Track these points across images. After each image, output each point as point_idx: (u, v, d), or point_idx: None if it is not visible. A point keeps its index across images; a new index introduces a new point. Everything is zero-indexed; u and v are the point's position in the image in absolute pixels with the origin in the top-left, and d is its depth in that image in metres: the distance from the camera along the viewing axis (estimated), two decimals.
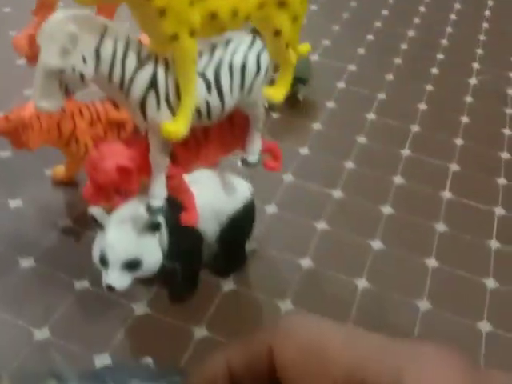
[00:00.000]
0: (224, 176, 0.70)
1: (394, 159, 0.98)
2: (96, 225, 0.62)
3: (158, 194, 0.58)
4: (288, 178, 0.91)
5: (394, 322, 0.71)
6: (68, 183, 0.85)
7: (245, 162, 0.65)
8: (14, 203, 0.81)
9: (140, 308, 0.69)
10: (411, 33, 1.35)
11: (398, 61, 1.23)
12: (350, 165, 0.96)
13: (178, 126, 0.52)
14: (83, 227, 0.78)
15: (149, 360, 0.59)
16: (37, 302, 0.68)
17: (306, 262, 0.78)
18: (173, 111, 0.53)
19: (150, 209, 0.59)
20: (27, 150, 0.73)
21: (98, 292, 0.70)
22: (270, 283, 0.75)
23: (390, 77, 1.18)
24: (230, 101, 0.56)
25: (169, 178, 0.59)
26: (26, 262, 0.72)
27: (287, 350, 0.32)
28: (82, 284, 0.71)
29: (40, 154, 0.85)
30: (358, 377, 0.28)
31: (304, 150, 0.97)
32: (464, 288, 0.77)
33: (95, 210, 0.61)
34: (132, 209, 0.63)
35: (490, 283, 0.77)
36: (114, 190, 0.57)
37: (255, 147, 0.64)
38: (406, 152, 1.00)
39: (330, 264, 0.78)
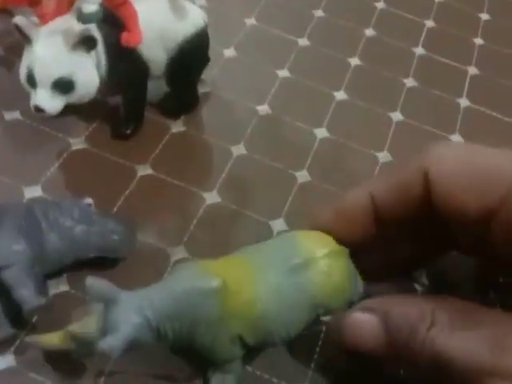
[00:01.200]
0: None
1: (367, 11, 0.90)
2: (22, 37, 0.54)
3: None
4: (250, 21, 0.83)
5: (351, 168, 0.67)
6: (1, 11, 0.75)
7: None
8: None
9: (78, 143, 0.63)
10: None
11: None
12: (319, 13, 0.87)
13: None
14: (16, 56, 0.70)
15: (88, 200, 0.54)
16: None
17: (263, 109, 0.72)
18: None
19: (81, 15, 0.51)
20: None
21: (32, 124, 0.64)
22: (223, 127, 0.69)
23: None
24: None
25: None
26: None
27: (446, 172, 0.29)
28: (12, 115, 0.64)
29: None
30: None
31: None
32: (427, 143, 0.73)
33: (20, 19, 0.53)
34: (67, 22, 0.54)
35: (456, 139, 0.74)
36: None
37: None
38: (380, 5, 0.92)
39: (288, 112, 0.72)
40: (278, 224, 0.60)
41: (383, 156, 0.70)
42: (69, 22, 0.54)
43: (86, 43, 0.53)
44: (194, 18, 0.62)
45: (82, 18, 0.51)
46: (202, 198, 0.61)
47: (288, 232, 0.48)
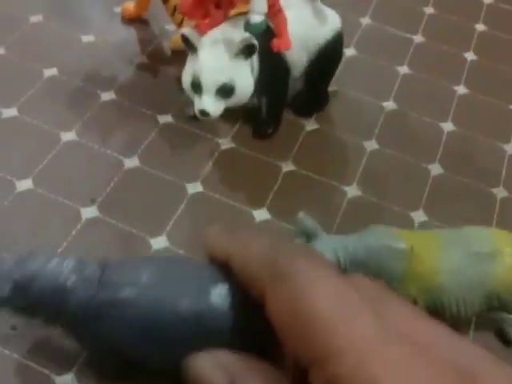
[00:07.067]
0: (316, 2, 0.66)
1: (476, 5, 0.91)
2: (188, 47, 0.59)
3: (259, 8, 0.55)
4: (365, 21, 0.86)
5: (481, 166, 0.69)
6: (138, 20, 0.81)
7: None
8: (86, 38, 0.77)
9: (226, 143, 0.68)
10: None
11: None
12: (430, 10, 0.90)
13: None
14: (158, 63, 0.75)
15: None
16: (122, 133, 0.67)
17: (388, 104, 0.75)
18: None
19: (248, 25, 0.55)
20: None
21: (183, 126, 0.69)
22: (353, 124, 0.72)
23: None
24: None
25: None
26: (107, 96, 0.71)
27: (277, 303, 0.27)
28: (164, 118, 0.70)
29: None
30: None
31: None
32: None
33: (187, 31, 0.57)
34: (225, 31, 0.59)
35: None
36: (215, 3, 0.53)
37: None
38: (487, 0, 0.93)
39: (413, 107, 0.75)
40: (419, 215, 0.63)
41: (510, 148, 0.72)
42: (227, 32, 0.59)
43: (247, 50, 0.57)
44: (333, 22, 0.66)
45: (249, 28, 0.56)
46: (343, 192, 0.65)
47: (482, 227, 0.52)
